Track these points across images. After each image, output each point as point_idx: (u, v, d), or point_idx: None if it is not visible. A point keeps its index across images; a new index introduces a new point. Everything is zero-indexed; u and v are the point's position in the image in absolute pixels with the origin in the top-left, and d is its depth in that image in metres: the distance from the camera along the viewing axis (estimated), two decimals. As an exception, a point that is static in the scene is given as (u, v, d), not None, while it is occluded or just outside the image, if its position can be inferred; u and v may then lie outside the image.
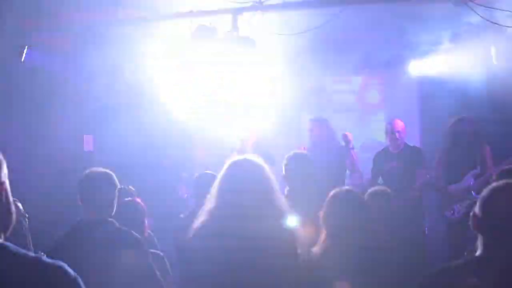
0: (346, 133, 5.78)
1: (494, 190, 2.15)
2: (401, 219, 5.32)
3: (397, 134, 5.78)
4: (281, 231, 2.39)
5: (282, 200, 2.50)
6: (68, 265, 1.60)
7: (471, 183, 5.53)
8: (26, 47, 5.91)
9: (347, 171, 5.96)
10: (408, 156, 5.77)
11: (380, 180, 5.93)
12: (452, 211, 5.52)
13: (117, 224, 3.20)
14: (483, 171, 5.53)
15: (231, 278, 2.35)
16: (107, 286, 2.96)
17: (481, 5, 5.30)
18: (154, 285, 3.15)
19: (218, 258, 2.37)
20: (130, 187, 4.61)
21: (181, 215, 4.66)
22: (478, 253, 2.12)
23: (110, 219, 3.21)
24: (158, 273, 3.21)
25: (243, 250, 2.34)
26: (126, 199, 4.04)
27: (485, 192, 2.17)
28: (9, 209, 1.65)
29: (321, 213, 3.21)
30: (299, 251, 2.39)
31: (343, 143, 5.78)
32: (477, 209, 2.14)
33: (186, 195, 6.25)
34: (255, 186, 2.44)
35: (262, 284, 2.33)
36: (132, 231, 3.23)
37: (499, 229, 2.07)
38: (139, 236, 3.26)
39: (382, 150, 6.01)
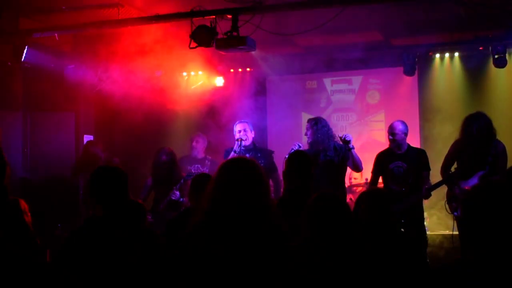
0: (345, 133, 5.75)
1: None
2: (403, 219, 5.30)
3: (395, 136, 5.73)
4: (268, 233, 2.41)
5: (271, 202, 2.52)
6: (80, 260, 1.59)
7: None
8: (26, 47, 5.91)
9: (348, 171, 5.95)
10: (413, 158, 5.74)
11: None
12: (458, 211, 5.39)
13: (127, 220, 3.22)
14: (492, 172, 5.39)
15: (221, 277, 2.39)
16: (120, 280, 3.00)
17: (480, 4, 5.30)
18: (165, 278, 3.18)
19: (211, 257, 2.40)
20: None
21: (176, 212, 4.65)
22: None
23: (119, 215, 3.22)
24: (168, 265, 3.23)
25: (233, 250, 2.38)
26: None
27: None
28: None
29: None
30: (287, 251, 2.42)
31: (342, 143, 5.74)
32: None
33: (181, 199, 6.19)
34: (246, 187, 2.47)
35: (253, 283, 2.36)
36: (143, 227, 3.27)
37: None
38: (151, 231, 3.29)
39: (385, 150, 5.96)
